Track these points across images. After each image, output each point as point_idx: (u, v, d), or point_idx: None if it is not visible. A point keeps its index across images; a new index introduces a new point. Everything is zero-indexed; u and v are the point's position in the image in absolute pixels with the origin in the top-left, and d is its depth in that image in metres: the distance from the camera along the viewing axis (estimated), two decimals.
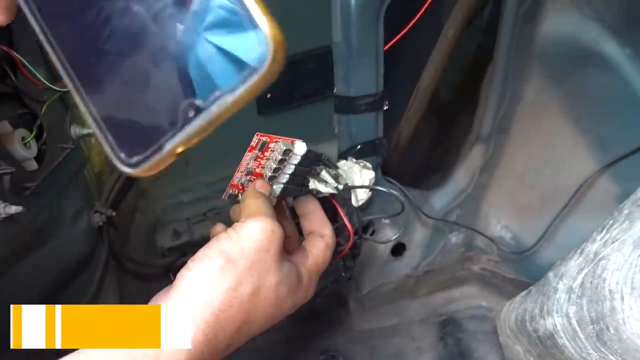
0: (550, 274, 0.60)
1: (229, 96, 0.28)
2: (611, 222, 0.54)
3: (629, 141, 0.72)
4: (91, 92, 0.30)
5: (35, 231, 0.52)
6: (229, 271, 0.43)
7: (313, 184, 0.58)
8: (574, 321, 0.55)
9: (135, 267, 0.79)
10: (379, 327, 0.85)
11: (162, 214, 0.83)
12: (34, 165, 0.51)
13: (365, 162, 0.62)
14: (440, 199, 0.84)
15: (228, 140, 0.87)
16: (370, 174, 0.62)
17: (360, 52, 0.64)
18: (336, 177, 0.60)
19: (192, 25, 0.28)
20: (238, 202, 0.56)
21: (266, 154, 0.55)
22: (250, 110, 0.85)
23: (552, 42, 0.76)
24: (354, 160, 0.63)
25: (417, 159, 0.92)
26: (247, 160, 0.55)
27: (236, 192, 0.57)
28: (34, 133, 0.50)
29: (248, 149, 0.55)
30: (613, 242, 0.52)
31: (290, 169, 0.55)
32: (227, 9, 0.28)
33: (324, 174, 0.58)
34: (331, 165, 0.60)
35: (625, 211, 0.52)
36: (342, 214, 0.62)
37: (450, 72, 0.92)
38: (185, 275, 0.43)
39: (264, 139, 0.54)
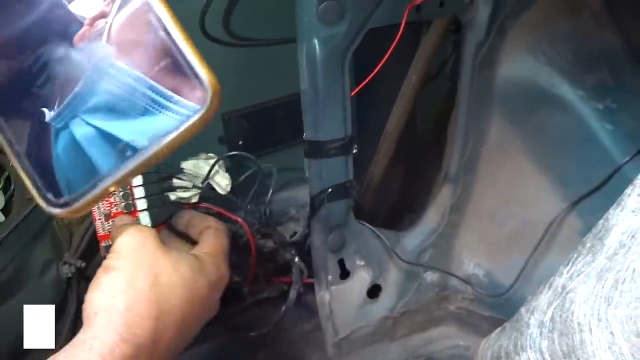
0: (523, 310, 0.61)
1: (165, 138, 0.30)
2: (576, 255, 0.55)
3: (589, 177, 0.75)
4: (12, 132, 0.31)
5: (1, 284, 0.51)
6: (115, 277, 0.44)
7: (174, 196, 0.58)
8: (547, 355, 0.55)
9: None
10: None
11: None
12: (0, 217, 0.50)
13: (208, 154, 0.61)
14: (413, 239, 0.85)
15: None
16: (214, 159, 0.61)
17: (327, 98, 0.67)
18: (192, 179, 0.59)
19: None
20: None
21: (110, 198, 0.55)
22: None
23: (511, 86, 0.80)
24: (193, 159, 0.61)
25: (389, 201, 0.93)
26: (99, 214, 0.55)
27: (110, 242, 0.55)
28: (0, 185, 0.50)
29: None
30: (578, 275, 0.53)
31: (140, 192, 0.55)
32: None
33: (175, 181, 0.58)
34: (175, 171, 0.59)
35: (588, 244, 0.54)
36: (250, 235, 0.62)
37: (416, 115, 0.96)
38: (84, 307, 0.44)
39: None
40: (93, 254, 0.70)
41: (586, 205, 0.75)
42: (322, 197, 0.72)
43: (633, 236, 0.47)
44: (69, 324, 0.63)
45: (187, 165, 0.61)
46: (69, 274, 0.62)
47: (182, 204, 0.59)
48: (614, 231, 0.50)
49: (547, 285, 0.58)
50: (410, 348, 0.88)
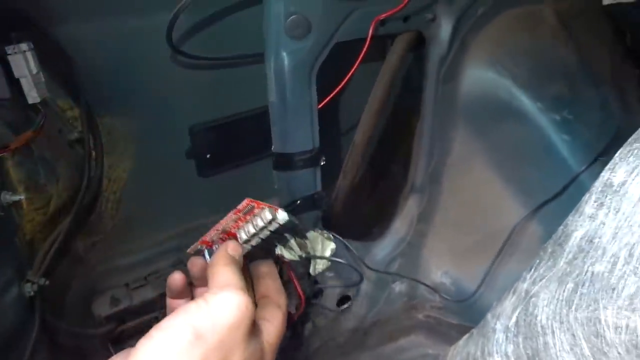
0: (489, 315, 0.62)
1: None
2: (538, 261, 0.57)
3: (549, 186, 0.77)
4: None
5: None
6: (196, 348, 0.40)
7: (280, 250, 0.58)
8: (512, 359, 0.56)
9: (70, 340, 0.75)
10: None
11: (99, 280, 0.79)
12: None
13: (328, 234, 0.62)
14: (382, 249, 0.86)
15: (169, 202, 0.86)
16: (332, 245, 0.62)
17: (295, 111, 0.67)
18: (301, 246, 0.59)
19: None
20: (201, 256, 0.56)
21: (248, 217, 0.54)
22: (191, 172, 0.85)
23: (473, 98, 0.82)
24: (319, 230, 0.63)
25: (357, 211, 0.94)
26: (227, 220, 0.55)
27: (204, 247, 0.56)
28: None
29: (234, 211, 0.54)
30: (541, 280, 0.55)
31: (265, 234, 0.55)
32: None
33: (293, 242, 0.58)
34: (302, 236, 0.60)
35: (549, 250, 0.56)
36: (296, 282, 0.62)
37: (383, 127, 0.97)
38: (147, 345, 0.40)
39: (252, 204, 0.54)
40: (56, 270, 0.68)
41: (546, 213, 0.78)
42: (291, 208, 0.73)
43: (591, 241, 0.49)
44: (30, 347, 0.61)
45: (310, 235, 0.62)
46: (32, 293, 0.60)
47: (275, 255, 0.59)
48: (573, 236, 0.52)
49: (512, 291, 0.60)
50: (381, 358, 0.88)
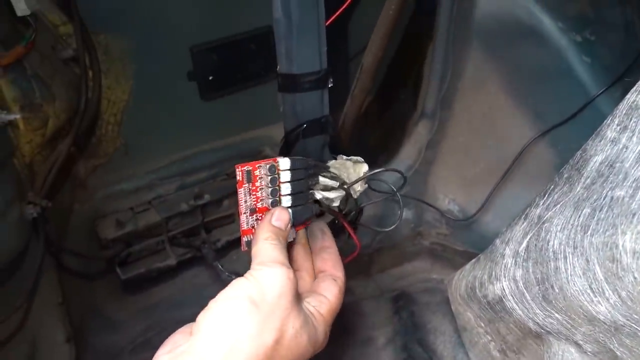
0: (497, 241, 0.62)
1: None
2: (552, 186, 0.55)
3: (564, 110, 0.75)
4: None
5: None
6: (254, 314, 0.42)
7: (319, 194, 0.55)
8: (520, 284, 0.56)
9: (76, 263, 0.75)
10: None
11: (102, 204, 0.79)
12: None
13: (356, 157, 0.58)
14: (388, 176, 0.84)
15: (170, 126, 0.84)
16: (365, 167, 0.58)
17: (302, 28, 0.63)
18: (334, 179, 0.56)
19: None
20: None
21: (256, 184, 0.52)
22: (193, 95, 0.82)
23: (489, 18, 0.78)
24: (344, 157, 0.59)
25: (365, 137, 0.92)
26: (243, 197, 0.52)
27: (251, 237, 0.53)
28: None
29: (237, 184, 0.52)
30: (555, 205, 0.54)
31: (287, 188, 0.53)
32: None
33: (322, 179, 0.55)
34: (322, 167, 0.56)
35: (565, 175, 0.54)
36: (352, 233, 0.59)
37: (393, 51, 0.93)
38: (208, 317, 0.42)
39: (245, 168, 0.51)
40: (58, 193, 0.67)
41: (558, 137, 0.76)
42: (297, 133, 0.70)
43: (611, 165, 0.48)
44: (35, 270, 0.61)
45: (335, 164, 0.57)
46: (34, 214, 0.59)
47: (324, 205, 0.55)
48: (592, 161, 0.50)
49: (523, 217, 0.59)
50: (384, 283, 0.90)
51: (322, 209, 0.56)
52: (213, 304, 0.43)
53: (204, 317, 0.42)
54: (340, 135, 0.82)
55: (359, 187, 0.57)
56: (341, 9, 0.66)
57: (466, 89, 0.83)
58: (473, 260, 0.67)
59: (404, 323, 0.79)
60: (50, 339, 0.65)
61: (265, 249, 0.48)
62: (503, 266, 0.59)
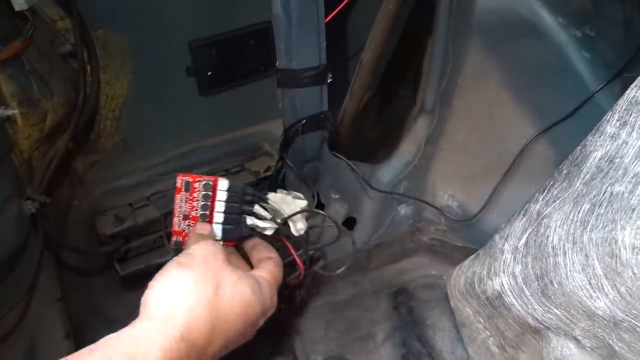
0: (497, 237, 0.62)
1: None
2: (552, 182, 0.55)
3: (564, 106, 0.74)
4: None
5: None
6: (187, 273, 0.47)
7: (250, 220, 0.58)
8: (519, 279, 0.56)
9: (75, 258, 0.75)
10: (333, 302, 0.85)
11: (101, 200, 0.79)
12: None
13: (295, 193, 0.61)
14: (387, 172, 0.84)
15: (169, 122, 0.84)
16: (303, 203, 0.61)
17: (301, 24, 0.63)
18: (271, 211, 0.59)
19: None
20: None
21: (194, 194, 0.57)
22: (192, 91, 0.82)
23: (489, 14, 0.77)
24: (284, 191, 0.61)
25: (364, 133, 0.92)
26: (178, 203, 0.57)
27: (180, 238, 0.58)
28: None
29: (175, 191, 0.57)
30: (554, 201, 0.54)
31: (221, 207, 0.57)
32: None
33: (257, 208, 0.58)
34: (260, 198, 0.59)
35: (565, 171, 0.54)
36: (292, 249, 0.62)
37: (392, 47, 0.93)
38: (149, 293, 0.46)
39: (186, 178, 0.57)
40: (56, 189, 0.67)
41: (558, 134, 0.76)
42: (296, 128, 0.70)
43: (611, 161, 0.47)
44: (34, 266, 0.61)
45: (274, 197, 0.60)
46: (33, 210, 0.59)
47: (254, 231, 0.59)
48: (592, 157, 0.50)
49: (522, 212, 0.59)
50: (383, 279, 0.90)
51: (254, 232, 0.59)
52: (152, 282, 0.47)
53: (145, 295, 0.45)
54: (339, 131, 0.81)
55: (300, 225, 0.60)
56: (341, 6, 0.65)
57: (466, 85, 0.82)
58: (472, 256, 0.67)
59: (403, 319, 0.79)
60: (49, 335, 0.65)
61: (192, 237, 0.54)
62: (502, 262, 0.59)
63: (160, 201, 0.80)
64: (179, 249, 0.58)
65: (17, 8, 0.55)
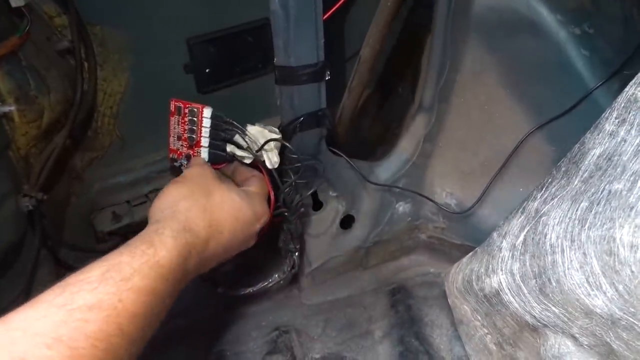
0: (495, 234, 0.62)
1: None
2: (550, 179, 0.55)
3: (562, 103, 0.74)
4: None
5: None
6: (182, 185, 0.56)
7: (230, 148, 0.65)
8: (517, 277, 0.56)
9: (72, 256, 0.75)
10: (331, 300, 0.85)
11: (99, 197, 0.78)
12: None
13: (272, 127, 0.67)
14: (386, 170, 0.84)
15: (166, 119, 0.84)
16: (275, 136, 0.66)
17: (299, 21, 0.63)
18: (251, 143, 0.65)
19: None
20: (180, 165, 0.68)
21: (185, 118, 0.64)
22: (190, 88, 0.82)
23: (488, 11, 0.77)
24: (262, 125, 0.67)
25: (362, 131, 0.92)
26: (173, 124, 0.66)
27: (176, 156, 0.67)
28: None
29: (170, 114, 0.65)
30: (552, 199, 0.54)
31: (206, 132, 0.64)
32: None
33: (237, 137, 0.65)
34: (239, 128, 0.65)
35: (563, 168, 0.54)
36: (266, 178, 0.66)
37: (391, 44, 0.93)
38: (152, 206, 0.54)
39: (178, 104, 0.65)
40: (54, 186, 0.67)
41: (555, 131, 0.76)
42: (294, 126, 0.70)
43: (609, 158, 0.47)
44: (31, 263, 0.61)
45: (252, 130, 0.66)
46: (30, 207, 0.59)
47: (234, 158, 0.66)
48: (590, 154, 0.50)
49: (520, 210, 0.59)
50: (381, 276, 0.90)
51: (235, 158, 0.66)
52: (154, 200, 0.55)
53: (150, 209, 0.54)
54: (337, 128, 0.81)
55: (275, 158, 0.66)
56: (339, 3, 0.65)
57: (464, 82, 0.82)
58: (470, 254, 0.67)
59: (401, 316, 0.79)
60: None
61: (191, 162, 0.64)
62: (500, 259, 0.59)
63: None
64: (175, 166, 0.67)
65: (13, 4, 0.55)
